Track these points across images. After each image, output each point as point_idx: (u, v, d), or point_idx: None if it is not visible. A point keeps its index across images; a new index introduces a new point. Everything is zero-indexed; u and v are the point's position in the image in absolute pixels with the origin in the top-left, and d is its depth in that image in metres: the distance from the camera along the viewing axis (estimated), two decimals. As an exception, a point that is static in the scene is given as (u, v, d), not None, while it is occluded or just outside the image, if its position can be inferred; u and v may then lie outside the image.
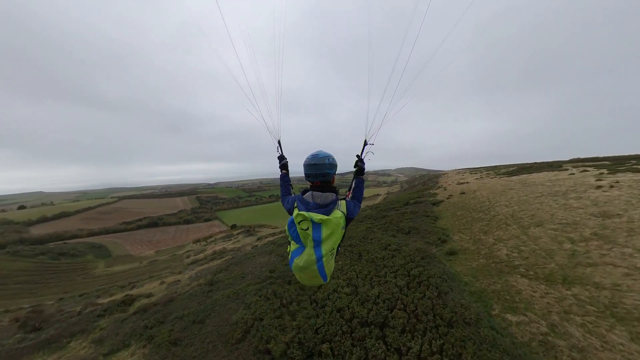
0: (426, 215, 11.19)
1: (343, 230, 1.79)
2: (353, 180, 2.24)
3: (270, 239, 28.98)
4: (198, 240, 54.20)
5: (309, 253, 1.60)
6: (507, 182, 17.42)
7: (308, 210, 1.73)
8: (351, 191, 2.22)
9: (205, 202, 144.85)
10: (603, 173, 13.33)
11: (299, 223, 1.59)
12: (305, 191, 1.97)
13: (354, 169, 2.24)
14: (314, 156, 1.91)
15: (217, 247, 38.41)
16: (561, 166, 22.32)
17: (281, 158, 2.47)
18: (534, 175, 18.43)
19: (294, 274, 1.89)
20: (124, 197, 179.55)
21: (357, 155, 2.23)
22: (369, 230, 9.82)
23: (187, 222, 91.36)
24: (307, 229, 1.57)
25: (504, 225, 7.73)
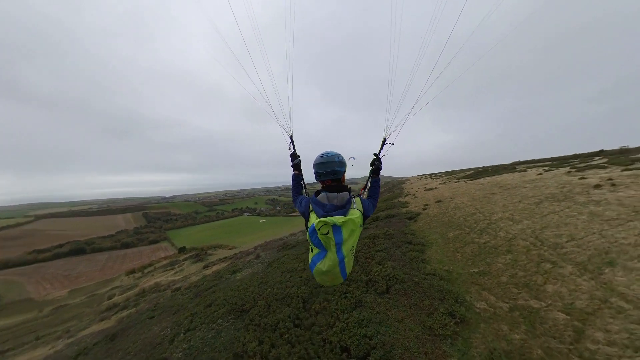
0: (407, 242, 7.68)
1: (361, 229, 1.73)
2: (368, 180, 2.15)
3: (221, 266, 23.28)
4: (132, 272, 43.74)
5: (331, 257, 1.56)
6: (479, 186, 15.47)
7: (326, 212, 1.68)
8: (366, 190, 2.13)
9: (154, 219, 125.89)
10: (571, 170, 12.23)
11: (319, 229, 1.53)
12: (318, 192, 1.86)
13: (370, 168, 2.12)
14: (324, 155, 1.85)
15: (151, 282, 30.32)
16: (515, 168, 21.98)
17: (293, 156, 2.24)
18: (500, 177, 17.01)
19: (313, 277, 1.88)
20: (45, 216, 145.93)
21: (375, 154, 2.12)
22: (313, 289, 5.85)
23: (126, 245, 76.24)
24: (328, 233, 1.53)
25: (544, 263, 4.54)
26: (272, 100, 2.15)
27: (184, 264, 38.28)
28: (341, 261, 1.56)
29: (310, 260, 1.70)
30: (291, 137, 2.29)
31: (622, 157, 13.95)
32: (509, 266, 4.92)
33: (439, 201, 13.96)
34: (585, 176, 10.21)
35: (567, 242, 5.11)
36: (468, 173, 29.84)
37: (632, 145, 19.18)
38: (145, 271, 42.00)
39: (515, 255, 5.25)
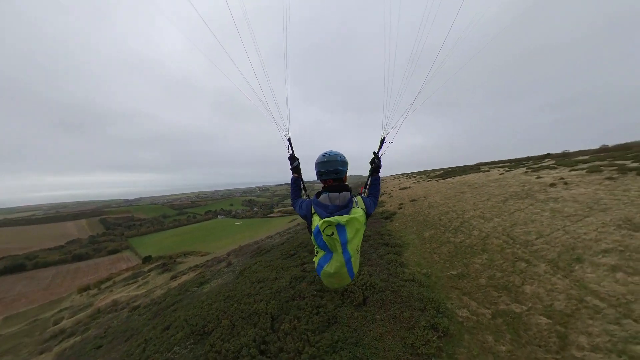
0: (384, 244, 7.44)
1: (365, 227, 1.69)
2: (368, 179, 2.13)
3: (190, 275, 21.42)
4: (86, 288, 38.49)
5: (338, 259, 1.54)
6: (450, 185, 16.15)
7: (329, 213, 1.66)
8: (367, 188, 2.10)
9: (114, 225, 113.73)
10: (528, 171, 13.32)
11: (323, 230, 1.50)
12: (319, 194, 1.84)
13: (370, 166, 2.10)
14: (326, 154, 1.82)
15: (108, 299, 26.92)
16: (479, 168, 23.63)
17: (292, 159, 2.21)
18: (467, 176, 18.03)
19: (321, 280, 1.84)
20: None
21: (374, 152, 2.11)
22: (283, 302, 5.28)
23: (79, 258, 67.57)
24: (332, 234, 1.50)
25: (519, 262, 4.49)
26: (266, 101, 2.08)
27: (149, 275, 34.74)
28: (348, 261, 1.55)
29: (316, 264, 1.68)
30: (289, 140, 2.25)
31: (566, 159, 15.57)
32: (486, 266, 4.84)
33: (414, 200, 14.21)
34: (541, 176, 11.03)
35: (536, 239, 5.20)
36: (438, 173, 31.45)
37: (572, 149, 22.65)
38: (103, 287, 37.35)
39: (491, 254, 5.22)
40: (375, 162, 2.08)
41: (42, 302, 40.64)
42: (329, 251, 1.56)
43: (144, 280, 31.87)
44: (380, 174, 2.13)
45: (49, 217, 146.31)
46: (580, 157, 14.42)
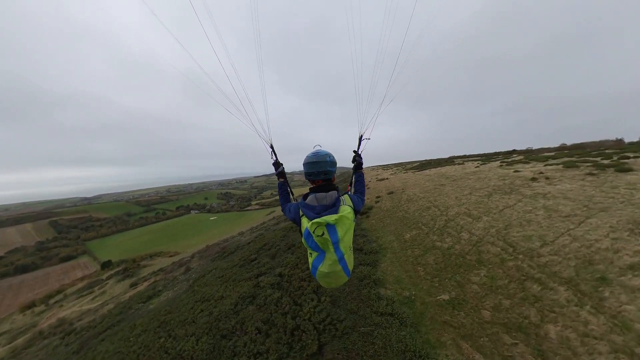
0: (357, 249, 6.15)
1: (354, 223, 1.67)
2: (353, 176, 2.19)
3: (151, 281, 18.93)
4: (30, 306, 33.22)
5: (330, 257, 1.53)
6: (427, 177, 15.49)
7: (316, 213, 1.62)
8: (352, 186, 2.15)
9: (68, 228, 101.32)
10: (502, 164, 13.09)
11: (313, 232, 1.48)
12: (306, 195, 1.82)
13: (352, 164, 2.15)
14: (315, 154, 1.81)
15: (53, 319, 23.22)
16: (454, 161, 23.82)
17: (277, 165, 2.20)
18: (443, 169, 17.62)
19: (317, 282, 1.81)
20: None
21: (354, 151, 2.17)
22: (217, 340, 3.85)
23: (23, 269, 59.06)
24: (323, 234, 1.48)
25: (528, 281, 3.38)
26: (244, 108, 2.08)
27: (106, 284, 30.93)
28: (341, 259, 1.53)
29: (310, 265, 1.66)
30: (272, 146, 2.25)
31: (533, 155, 15.71)
32: (487, 288, 3.75)
33: (391, 192, 13.29)
34: (518, 170, 10.53)
35: (541, 247, 4.24)
36: (415, 165, 31.44)
37: (535, 147, 24.11)
38: (51, 302, 32.63)
39: (490, 268, 4.16)
40: (357, 160, 2.11)
41: (-25, 325, 34.54)
42: (321, 251, 1.54)
43: (101, 290, 28.22)
44: (362, 170, 2.16)
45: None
46: (547, 154, 14.49)
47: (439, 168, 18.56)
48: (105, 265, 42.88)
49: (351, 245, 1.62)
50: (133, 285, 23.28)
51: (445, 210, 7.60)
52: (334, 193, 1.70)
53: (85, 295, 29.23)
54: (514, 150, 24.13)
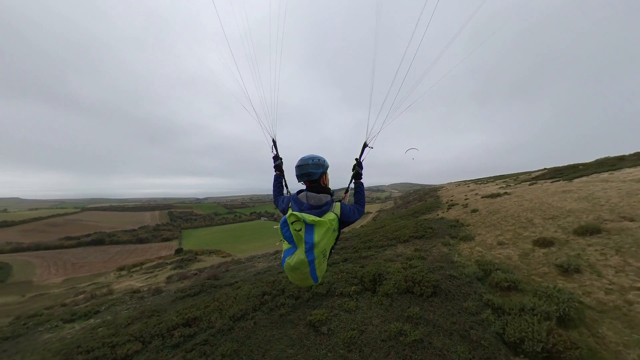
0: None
1: (336, 233, 1.77)
2: (349, 184, 2.23)
3: (181, 284, 18.41)
4: (122, 268, 41.70)
5: (300, 254, 1.56)
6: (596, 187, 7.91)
7: (301, 210, 1.73)
8: (347, 193, 2.22)
9: (177, 218, 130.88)
10: None
11: (292, 223, 1.54)
12: (300, 191, 1.97)
13: (352, 172, 2.17)
14: (301, 159, 1.96)
15: (117, 286, 26.49)
16: (614, 165, 14.65)
17: (275, 158, 2.40)
18: (599, 177, 9.15)
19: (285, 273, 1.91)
20: (89, 209, 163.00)
21: (356, 159, 2.17)
22: None
23: (140, 241, 77.78)
24: (300, 230, 1.54)
25: None
26: (256, 103, 2.32)
27: (166, 267, 34.37)
28: (311, 262, 1.55)
29: (282, 254, 1.73)
30: (274, 140, 2.42)
31: None
32: None
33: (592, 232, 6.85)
34: None
35: None
36: (532, 175, 21.26)
37: None
38: (132, 270, 39.36)
39: None
40: (356, 169, 2.12)
41: (95, 272, 46.18)
42: (294, 245, 1.59)
43: (155, 274, 31.12)
44: (362, 180, 2.17)
45: (136, 207, 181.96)
46: None
47: (583, 178, 9.99)
48: (178, 251, 49.78)
49: (326, 254, 1.65)
50: (169, 278, 23.76)
51: None
52: (325, 196, 1.83)
53: (148, 273, 32.96)
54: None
